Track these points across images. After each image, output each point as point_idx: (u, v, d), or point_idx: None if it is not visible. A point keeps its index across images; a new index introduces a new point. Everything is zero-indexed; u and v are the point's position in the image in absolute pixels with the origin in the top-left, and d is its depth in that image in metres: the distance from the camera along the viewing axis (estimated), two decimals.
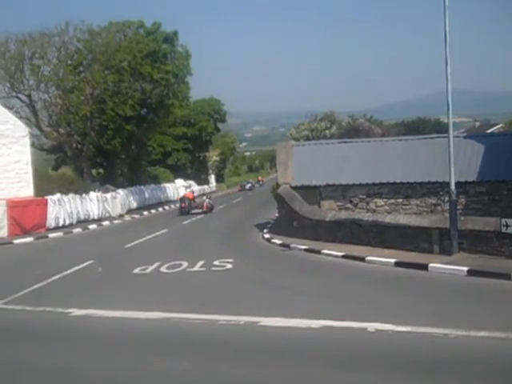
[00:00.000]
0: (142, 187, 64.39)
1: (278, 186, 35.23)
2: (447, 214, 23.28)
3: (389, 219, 25.42)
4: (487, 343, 11.87)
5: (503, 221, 20.42)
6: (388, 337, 12.59)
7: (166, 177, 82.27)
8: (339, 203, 32.10)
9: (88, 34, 57.75)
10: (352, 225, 26.87)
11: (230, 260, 24.21)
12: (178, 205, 56.79)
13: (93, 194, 48.12)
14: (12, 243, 34.73)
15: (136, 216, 53.00)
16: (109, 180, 61.58)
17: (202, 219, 46.78)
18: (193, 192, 61.93)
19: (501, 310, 14.77)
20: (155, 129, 72.28)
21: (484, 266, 19.36)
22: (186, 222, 43.64)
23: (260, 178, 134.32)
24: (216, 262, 23.78)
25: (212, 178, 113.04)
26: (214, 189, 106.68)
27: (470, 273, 18.82)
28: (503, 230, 20.33)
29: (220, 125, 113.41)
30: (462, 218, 22.68)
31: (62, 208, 42.34)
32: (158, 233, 36.56)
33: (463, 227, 21.81)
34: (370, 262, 22.46)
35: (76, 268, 24.04)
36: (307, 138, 56.37)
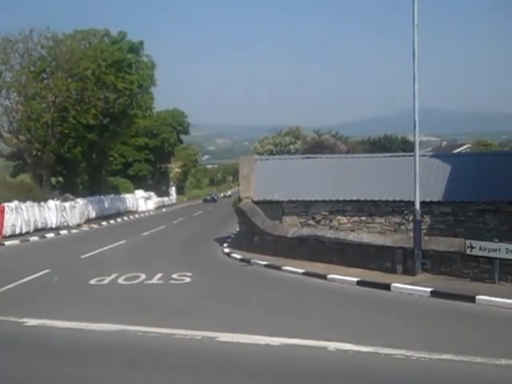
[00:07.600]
0: (102, 197, 64.07)
1: (239, 200, 34.91)
2: (411, 234, 23.09)
3: (351, 237, 25.17)
4: (450, 366, 11.64)
5: (468, 242, 20.11)
6: (348, 356, 12.36)
7: (127, 187, 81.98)
8: (301, 219, 31.88)
9: (52, 40, 57.18)
10: (314, 242, 26.58)
11: (189, 274, 23.87)
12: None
13: (51, 203, 47.54)
14: None
15: (94, 226, 52.59)
16: (68, 189, 61.12)
17: (162, 231, 46.43)
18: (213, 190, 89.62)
19: (464, 333, 14.59)
20: (117, 138, 72.17)
21: (448, 287, 19.14)
22: (145, 234, 43.20)
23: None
24: (174, 276, 23.45)
25: (173, 190, 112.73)
26: (175, 201, 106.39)
27: (434, 294, 18.62)
28: (468, 251, 20.02)
29: (183, 137, 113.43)
30: (426, 238, 22.53)
31: (19, 216, 41.73)
32: (117, 244, 36.03)
33: (427, 247, 21.62)
34: (331, 279, 22.17)
35: (32, 277, 23.65)
36: (271, 153, 56.09)
